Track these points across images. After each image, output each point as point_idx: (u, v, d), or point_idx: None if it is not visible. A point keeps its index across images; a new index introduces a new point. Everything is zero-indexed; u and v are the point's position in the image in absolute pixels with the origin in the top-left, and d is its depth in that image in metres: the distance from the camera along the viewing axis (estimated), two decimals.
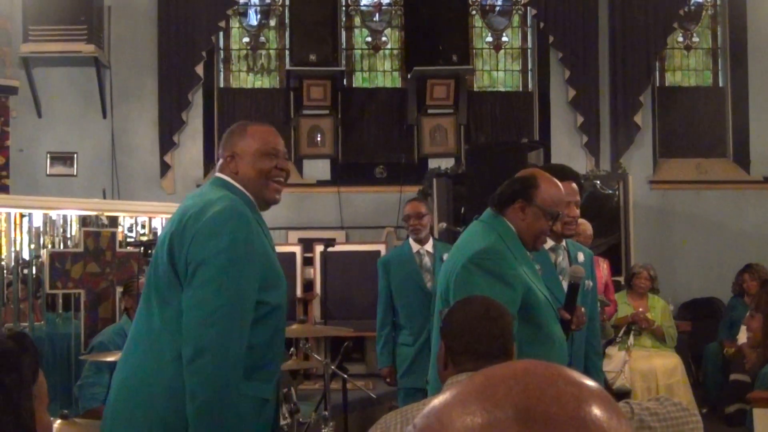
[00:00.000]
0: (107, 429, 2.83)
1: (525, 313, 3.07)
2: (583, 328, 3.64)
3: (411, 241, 5.71)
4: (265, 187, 2.94)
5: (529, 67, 10.16)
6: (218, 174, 2.99)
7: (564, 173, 3.66)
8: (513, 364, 0.88)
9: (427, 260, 5.65)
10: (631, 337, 7.38)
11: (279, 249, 3.10)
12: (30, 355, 2.03)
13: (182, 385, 2.65)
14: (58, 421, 3.21)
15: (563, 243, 3.83)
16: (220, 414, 2.61)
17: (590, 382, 0.85)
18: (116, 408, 2.81)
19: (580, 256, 3.90)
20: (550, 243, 3.70)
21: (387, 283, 5.71)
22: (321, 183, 9.66)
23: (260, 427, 2.84)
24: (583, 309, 3.55)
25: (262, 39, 10.01)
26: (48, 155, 9.37)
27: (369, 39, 10.08)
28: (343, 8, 9.98)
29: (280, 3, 9.99)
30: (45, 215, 6.30)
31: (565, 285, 3.70)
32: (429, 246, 5.69)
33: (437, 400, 0.86)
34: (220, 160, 3.01)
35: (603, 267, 6.82)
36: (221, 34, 9.83)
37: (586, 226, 6.04)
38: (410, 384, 5.51)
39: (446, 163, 9.15)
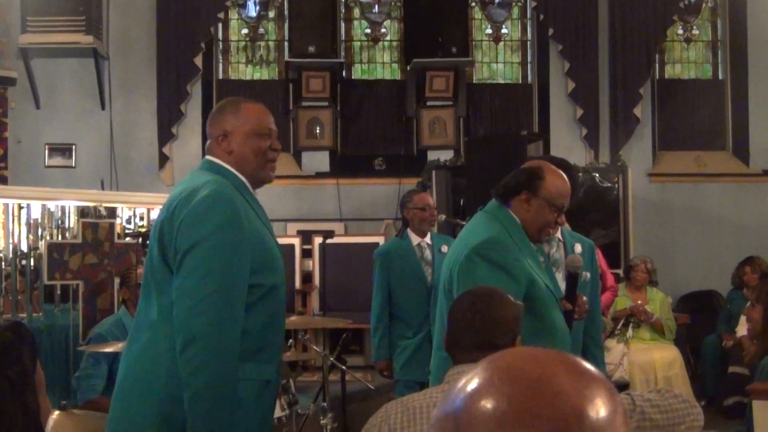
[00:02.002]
0: (112, 420, 2.83)
1: (528, 305, 3.06)
2: (584, 316, 3.63)
3: (411, 233, 5.63)
4: (262, 167, 2.90)
5: (529, 59, 10.14)
6: (207, 156, 2.93)
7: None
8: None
9: (428, 253, 5.59)
10: (630, 330, 7.39)
11: (278, 241, 3.07)
12: (28, 344, 2.03)
13: (177, 377, 2.64)
14: (56, 412, 3.20)
15: (558, 234, 3.82)
16: (215, 401, 2.59)
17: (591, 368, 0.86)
18: (118, 399, 2.80)
19: (578, 247, 3.89)
20: None
21: (385, 275, 5.61)
22: (320, 175, 9.65)
23: (263, 409, 2.83)
24: (584, 297, 3.55)
25: (261, 30, 9.99)
26: (46, 146, 9.35)
27: (368, 31, 10.05)
28: (342, 0, 9.96)
29: None
30: (43, 206, 6.30)
31: (559, 276, 3.70)
32: (428, 238, 5.65)
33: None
34: (210, 140, 2.94)
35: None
36: (220, 25, 9.81)
37: None
38: (408, 376, 5.48)
39: (445, 155, 9.14)
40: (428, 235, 5.64)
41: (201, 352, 2.58)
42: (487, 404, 0.85)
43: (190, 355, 2.59)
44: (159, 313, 2.73)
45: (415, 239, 5.61)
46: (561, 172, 3.31)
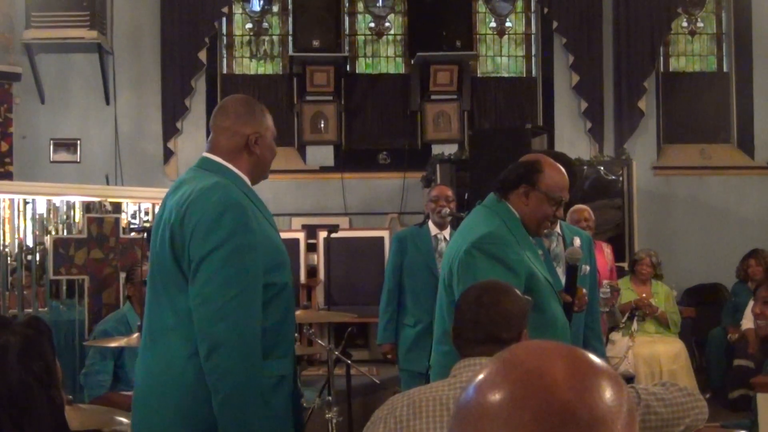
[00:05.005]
0: (135, 427, 2.85)
1: None
2: (584, 309, 3.64)
3: (431, 224, 5.72)
4: (268, 169, 3.01)
5: (533, 52, 10.13)
6: (208, 154, 2.91)
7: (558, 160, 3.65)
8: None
9: (443, 245, 5.63)
10: (635, 323, 7.38)
11: (282, 235, 3.08)
12: (48, 338, 2.05)
13: (197, 382, 2.65)
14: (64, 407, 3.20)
15: (557, 228, 3.83)
16: (245, 404, 2.62)
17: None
18: (139, 407, 2.82)
19: (577, 241, 3.90)
20: None
21: (399, 259, 5.69)
22: (324, 169, 9.65)
23: (279, 404, 2.83)
24: (584, 290, 3.56)
25: (265, 25, 9.99)
26: (51, 142, 9.37)
27: (372, 24, 10.05)
28: None
29: None
30: (48, 201, 6.31)
31: (560, 270, 3.71)
32: (446, 233, 5.70)
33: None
34: (232, 137, 2.89)
35: (607, 252, 6.81)
36: (224, 19, 9.81)
37: None
38: (410, 366, 5.52)
39: (450, 149, 9.14)
40: (447, 230, 5.71)
41: (227, 358, 2.60)
42: (489, 395, 0.86)
43: (217, 361, 2.61)
44: (174, 317, 2.74)
45: (434, 230, 5.69)
46: (559, 166, 3.32)
